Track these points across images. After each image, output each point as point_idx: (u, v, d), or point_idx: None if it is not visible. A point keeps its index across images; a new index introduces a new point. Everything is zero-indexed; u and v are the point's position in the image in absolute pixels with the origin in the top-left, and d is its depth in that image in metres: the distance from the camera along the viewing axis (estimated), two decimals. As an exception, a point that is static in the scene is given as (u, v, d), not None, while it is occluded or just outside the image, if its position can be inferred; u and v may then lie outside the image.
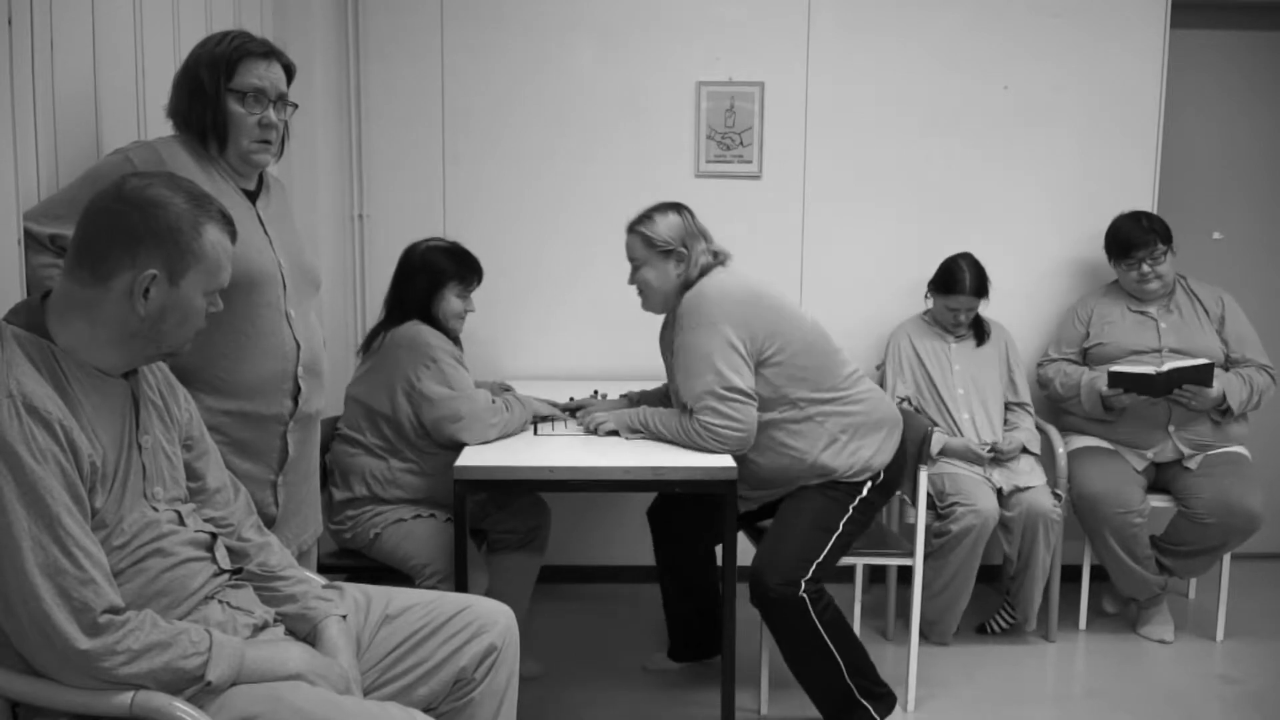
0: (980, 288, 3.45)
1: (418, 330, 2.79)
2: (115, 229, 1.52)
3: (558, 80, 3.69)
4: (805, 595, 2.56)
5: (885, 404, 2.83)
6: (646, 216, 2.75)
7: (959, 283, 3.44)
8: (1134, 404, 3.36)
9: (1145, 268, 3.45)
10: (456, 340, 2.94)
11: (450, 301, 2.88)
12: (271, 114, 2.05)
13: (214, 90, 1.99)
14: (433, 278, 2.86)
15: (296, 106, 2.12)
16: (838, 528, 2.68)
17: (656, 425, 2.68)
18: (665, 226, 2.71)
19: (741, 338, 2.60)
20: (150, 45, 2.27)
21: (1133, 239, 3.47)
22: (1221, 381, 3.31)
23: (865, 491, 2.72)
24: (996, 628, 3.44)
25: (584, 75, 3.68)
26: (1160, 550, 3.38)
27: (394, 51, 3.64)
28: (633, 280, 2.78)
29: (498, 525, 3.02)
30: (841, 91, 3.74)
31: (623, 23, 3.67)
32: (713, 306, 2.62)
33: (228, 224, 1.62)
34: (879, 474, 2.74)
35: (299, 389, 2.10)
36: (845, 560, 3.02)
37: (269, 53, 2.05)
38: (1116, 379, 3.30)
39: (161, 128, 2.21)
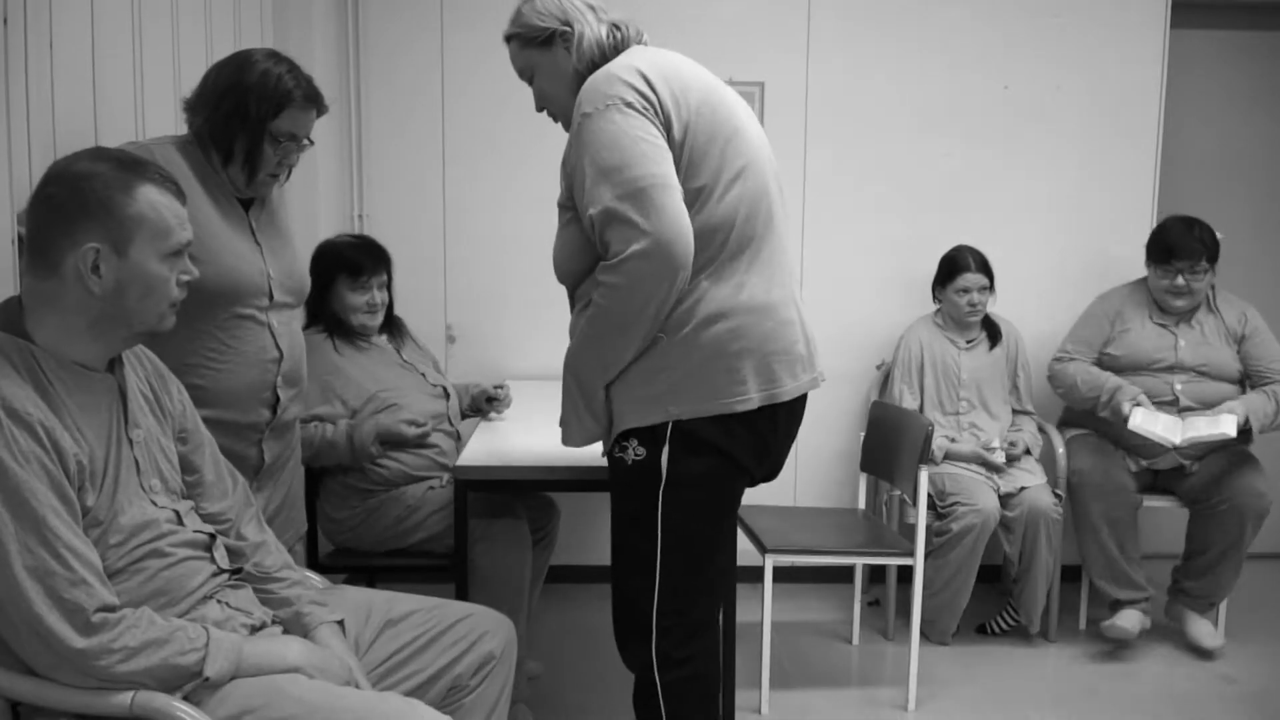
0: (984, 266, 3.40)
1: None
2: (50, 213, 1.50)
3: (557, 80, 3.68)
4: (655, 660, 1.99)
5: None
6: (516, 12, 2.02)
7: (962, 262, 3.40)
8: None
9: (1180, 280, 3.27)
10: (364, 333, 2.87)
11: (344, 297, 2.83)
12: (293, 157, 2.06)
13: (258, 126, 1.98)
14: (321, 276, 2.77)
15: (313, 143, 2.11)
16: (656, 538, 1.95)
17: (564, 398, 1.96)
18: (534, 10, 1.99)
19: (653, 122, 1.83)
20: (149, 46, 2.27)
21: (1178, 246, 3.27)
22: (1245, 403, 3.21)
23: (664, 463, 1.90)
24: (998, 628, 3.43)
25: (584, 75, 3.67)
26: (1184, 575, 3.31)
27: (394, 51, 3.64)
28: (538, 103, 2.07)
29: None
30: (841, 91, 3.74)
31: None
32: (610, 81, 1.85)
33: (168, 183, 1.57)
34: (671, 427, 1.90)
35: (277, 399, 2.09)
36: (845, 560, 3.03)
37: (312, 99, 2.04)
38: (1135, 431, 3.17)
39: (160, 129, 2.21)
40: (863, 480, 3.40)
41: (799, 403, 2.02)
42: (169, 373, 1.77)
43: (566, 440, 2.02)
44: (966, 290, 3.40)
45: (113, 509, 1.53)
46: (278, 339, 2.08)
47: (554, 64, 1.99)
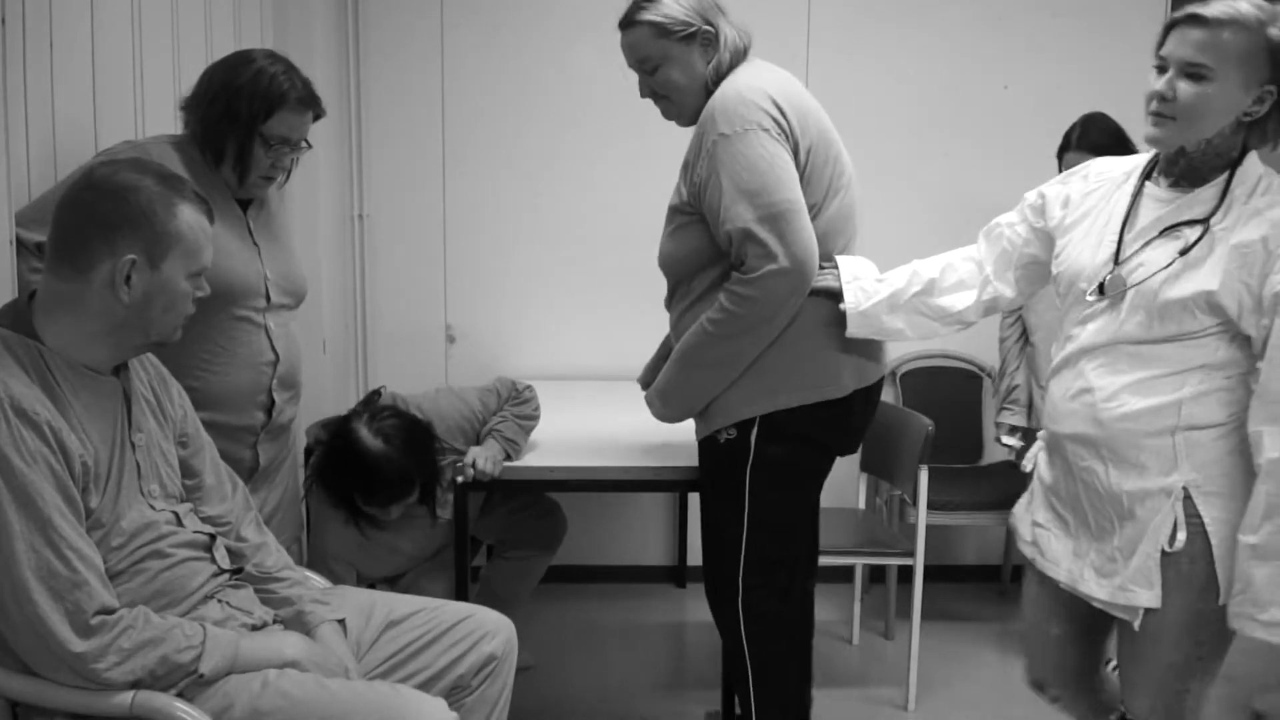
0: (1099, 144, 2.82)
1: (321, 529, 2.53)
2: (89, 219, 1.51)
3: (558, 80, 3.68)
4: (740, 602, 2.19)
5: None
6: (654, 0, 2.07)
7: (1067, 139, 2.97)
8: None
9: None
10: (380, 524, 2.52)
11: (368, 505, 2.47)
12: (287, 160, 2.04)
13: (248, 128, 1.96)
14: (342, 480, 2.42)
15: (310, 146, 2.09)
16: (743, 511, 2.12)
17: (671, 376, 2.11)
18: (678, 3, 2.06)
19: (786, 147, 2.00)
20: (149, 46, 2.27)
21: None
22: None
23: (753, 444, 2.09)
24: None
25: (584, 75, 3.67)
26: None
27: (394, 52, 3.64)
28: (646, 90, 2.16)
29: (512, 536, 2.98)
30: (841, 91, 3.72)
31: (622, 23, 3.67)
32: (746, 104, 1.98)
33: (202, 203, 1.59)
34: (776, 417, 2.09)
35: (272, 402, 2.09)
36: (844, 560, 3.03)
37: (306, 102, 2.01)
38: None
39: (159, 130, 2.21)
40: (862, 480, 3.39)
41: (876, 387, 2.23)
42: (170, 376, 1.78)
43: (662, 416, 2.19)
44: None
45: (115, 511, 1.54)
46: (274, 341, 2.07)
47: (689, 60, 2.08)
